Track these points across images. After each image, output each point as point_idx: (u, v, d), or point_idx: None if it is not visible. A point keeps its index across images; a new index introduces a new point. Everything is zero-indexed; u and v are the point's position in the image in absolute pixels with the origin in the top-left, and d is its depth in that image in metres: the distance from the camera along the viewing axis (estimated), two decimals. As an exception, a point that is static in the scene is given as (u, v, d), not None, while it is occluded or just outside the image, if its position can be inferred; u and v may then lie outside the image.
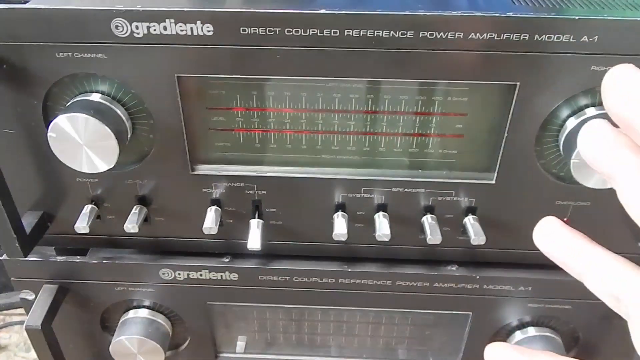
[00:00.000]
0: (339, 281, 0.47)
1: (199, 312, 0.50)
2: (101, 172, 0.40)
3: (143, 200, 0.44)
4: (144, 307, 0.51)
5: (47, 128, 0.37)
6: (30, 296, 0.49)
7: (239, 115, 0.41)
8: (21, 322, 0.92)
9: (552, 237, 0.23)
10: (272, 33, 0.35)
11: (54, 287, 0.48)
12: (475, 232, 0.42)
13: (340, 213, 0.44)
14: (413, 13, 0.34)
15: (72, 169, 0.39)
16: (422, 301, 0.48)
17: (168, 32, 0.35)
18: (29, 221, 0.43)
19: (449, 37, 0.35)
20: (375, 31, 0.35)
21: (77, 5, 0.35)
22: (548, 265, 0.47)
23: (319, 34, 0.35)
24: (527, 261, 0.47)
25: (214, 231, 0.42)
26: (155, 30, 0.35)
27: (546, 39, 0.35)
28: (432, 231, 0.43)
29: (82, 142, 0.37)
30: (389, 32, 0.35)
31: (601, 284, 0.21)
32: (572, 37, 0.35)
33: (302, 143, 0.42)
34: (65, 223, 0.45)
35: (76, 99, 0.38)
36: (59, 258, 0.47)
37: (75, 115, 0.36)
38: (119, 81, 0.37)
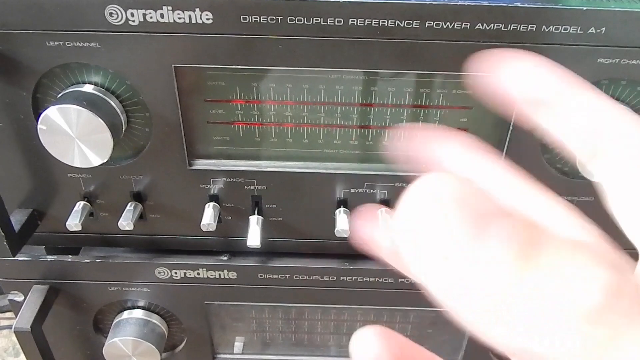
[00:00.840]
0: (341, 279, 0.46)
1: (196, 312, 0.49)
2: (94, 167, 0.39)
3: (138, 197, 0.42)
4: (138, 307, 0.49)
5: (37, 121, 0.35)
6: (19, 297, 0.47)
7: (239, 108, 0.39)
8: (9, 326, 0.90)
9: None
10: (274, 22, 0.33)
11: (44, 288, 0.46)
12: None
13: (342, 209, 0.43)
14: (419, 2, 0.33)
15: (63, 164, 0.37)
16: (424, 298, 0.47)
17: (165, 19, 0.33)
18: (17, 219, 0.42)
19: (455, 27, 0.34)
20: (380, 20, 0.34)
21: (69, -8, 0.33)
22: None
23: (322, 23, 0.34)
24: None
25: (213, 228, 0.41)
26: (151, 17, 0.33)
27: (553, 30, 0.34)
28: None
29: (74, 135, 0.35)
30: (394, 22, 0.34)
31: (575, 131, 0.15)
32: (579, 28, 0.34)
33: (303, 137, 0.41)
34: (56, 221, 0.44)
35: (68, 90, 0.36)
36: (50, 257, 0.45)
37: (66, 106, 0.34)
38: (113, 71, 0.36)
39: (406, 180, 0.42)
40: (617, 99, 0.38)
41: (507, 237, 0.11)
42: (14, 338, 0.66)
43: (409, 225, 0.12)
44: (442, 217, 0.12)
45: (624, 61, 0.36)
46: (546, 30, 0.34)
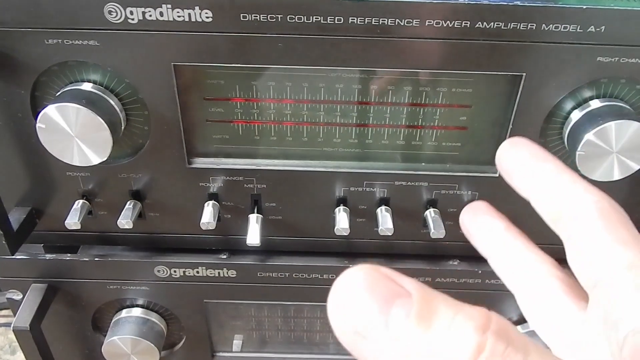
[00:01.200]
0: (339, 277, 0.46)
1: (196, 310, 0.49)
2: (93, 166, 0.38)
3: (137, 195, 0.42)
4: (137, 306, 0.49)
5: (35, 119, 0.35)
6: (17, 296, 0.47)
7: (238, 107, 0.39)
8: (7, 324, 0.89)
9: (516, 149, 0.24)
10: (274, 20, 0.33)
11: (42, 287, 0.46)
12: (479, 225, 0.42)
13: (341, 207, 0.43)
14: (419, 0, 0.33)
15: (62, 163, 0.37)
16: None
17: (164, 17, 0.33)
18: (16, 217, 0.42)
19: (455, 25, 0.34)
20: (380, 19, 0.34)
21: (68, -10, 0.33)
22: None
23: (322, 22, 0.34)
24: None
25: (212, 226, 0.41)
26: (150, 15, 0.33)
27: (553, 29, 0.34)
28: (435, 225, 0.42)
29: (74, 134, 0.35)
30: (394, 20, 0.34)
31: (543, 203, 0.22)
32: (578, 27, 0.34)
33: (303, 135, 0.41)
34: (54, 219, 0.43)
35: (66, 89, 0.36)
36: (48, 256, 0.45)
37: (65, 104, 0.34)
38: (112, 70, 0.36)
39: (405, 179, 0.42)
40: (616, 97, 0.38)
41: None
42: (11, 335, 0.66)
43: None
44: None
45: (623, 60, 0.36)
46: (546, 28, 0.34)
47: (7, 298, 0.47)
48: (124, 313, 0.49)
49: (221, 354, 0.55)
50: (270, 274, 0.46)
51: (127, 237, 0.45)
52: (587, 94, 0.38)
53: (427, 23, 0.34)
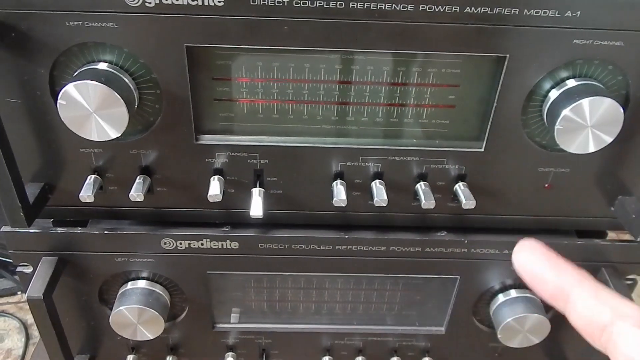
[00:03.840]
0: (336, 248, 0.49)
1: (199, 282, 0.52)
2: (105, 142, 0.41)
3: (146, 171, 0.45)
4: (142, 278, 0.52)
5: (55, 97, 0.37)
6: (28, 269, 0.49)
7: (244, 86, 0.42)
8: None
9: (533, 254, 0.24)
10: (281, 4, 0.36)
11: (53, 259, 0.48)
12: (465, 196, 0.45)
13: (339, 181, 0.46)
14: (414, -14, 0.36)
15: (76, 139, 0.40)
16: (414, 266, 0.51)
17: (179, 2, 0.36)
18: (31, 192, 0.44)
19: (446, 10, 0.37)
20: (379, 4, 0.37)
21: (88, -25, 0.35)
22: (531, 230, 0.51)
23: (325, 6, 0.37)
24: (510, 225, 0.50)
25: (219, 199, 0.44)
26: (167, 0, 0.36)
27: (534, 13, 0.38)
28: (426, 197, 0.45)
29: (92, 110, 0.37)
30: (391, 5, 0.37)
31: (586, 311, 0.22)
32: (557, 12, 0.38)
33: (303, 113, 0.44)
34: (65, 194, 0.46)
35: (84, 68, 0.38)
36: (60, 229, 0.47)
37: (85, 82, 0.36)
38: (128, 50, 0.38)
39: (398, 154, 0.45)
40: (590, 77, 0.42)
41: None
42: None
43: None
44: None
45: (596, 42, 0.40)
46: (527, 13, 0.38)
47: (18, 271, 0.49)
48: (130, 285, 0.51)
49: (221, 324, 0.57)
50: (271, 246, 0.49)
51: (136, 211, 0.48)
52: (564, 74, 0.42)
53: (420, 8, 0.37)
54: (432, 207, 0.45)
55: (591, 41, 0.39)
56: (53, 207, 0.47)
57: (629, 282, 0.53)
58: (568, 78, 0.42)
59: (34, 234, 0.47)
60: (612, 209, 0.49)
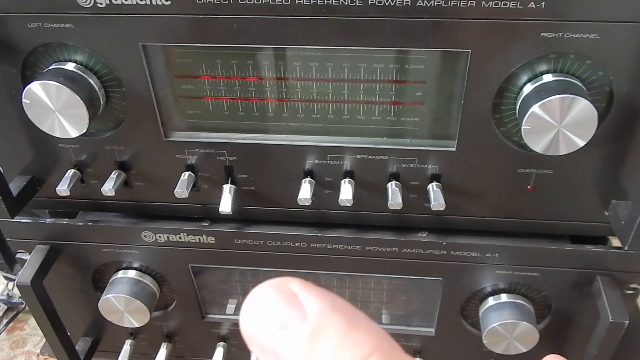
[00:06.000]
0: (311, 245, 0.49)
1: (182, 274, 0.53)
2: (81, 138, 0.43)
3: (122, 166, 0.47)
4: (132, 268, 0.54)
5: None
6: (25, 256, 0.52)
7: (206, 84, 0.43)
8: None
9: None
10: (227, 2, 0.36)
11: (45, 248, 0.51)
12: (435, 197, 0.44)
13: (307, 179, 0.45)
14: (360, -19, 0.35)
15: (50, 134, 0.42)
16: (393, 266, 0.50)
17: (129, 1, 0.37)
18: (17, 184, 0.47)
19: (397, 4, 0.36)
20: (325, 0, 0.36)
21: (45, -22, 0.37)
22: (514, 233, 0.48)
23: (271, 3, 0.36)
24: (495, 228, 0.48)
25: (185, 195, 0.45)
26: (116, 0, 0.37)
27: (493, 5, 0.36)
28: (393, 196, 0.44)
29: (54, 109, 0.39)
30: (339, 0, 0.36)
31: None
32: (518, 3, 0.35)
33: (268, 110, 0.44)
34: (53, 187, 0.48)
35: (51, 67, 0.40)
36: (48, 220, 0.50)
37: (47, 82, 0.38)
38: (89, 50, 0.40)
39: (367, 152, 0.44)
40: (570, 73, 0.39)
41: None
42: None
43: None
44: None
45: (567, 35, 0.37)
46: (485, 5, 0.36)
47: (17, 257, 0.53)
48: (120, 274, 0.54)
49: (212, 315, 0.59)
50: (246, 241, 0.49)
51: (118, 205, 0.50)
52: (538, 68, 0.39)
53: (370, 2, 0.36)
54: (398, 207, 0.44)
55: (561, 34, 0.37)
56: (46, 199, 0.50)
57: (630, 292, 0.49)
58: (544, 73, 0.39)
59: (27, 224, 0.50)
60: (607, 213, 0.46)
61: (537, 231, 0.48)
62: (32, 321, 1.00)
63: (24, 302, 1.02)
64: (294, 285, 0.18)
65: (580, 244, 0.47)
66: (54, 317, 0.52)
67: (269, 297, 0.18)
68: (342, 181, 0.45)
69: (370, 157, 0.44)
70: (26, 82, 0.42)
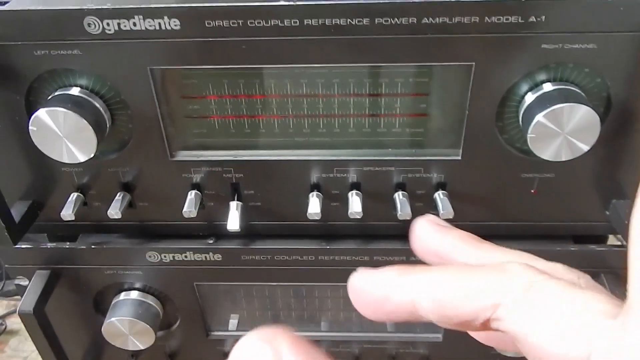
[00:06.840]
0: (319, 258, 0.49)
1: (187, 292, 0.53)
2: (85, 162, 0.42)
3: (127, 187, 0.46)
4: (134, 289, 0.53)
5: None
6: (24, 282, 0.51)
7: (213, 103, 0.43)
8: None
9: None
10: (236, 25, 0.37)
11: (46, 273, 0.50)
12: (443, 206, 0.45)
13: (315, 193, 0.46)
14: (368, 1, 0.36)
15: (57, 160, 0.41)
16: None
17: (137, 27, 0.37)
18: (18, 210, 0.46)
19: (403, 22, 0.37)
20: (333, 19, 0.37)
21: (51, 6, 0.37)
22: (518, 236, 0.50)
23: (280, 24, 0.37)
24: (505, 233, 0.49)
25: (193, 214, 0.45)
26: (125, 26, 0.36)
27: (496, 20, 0.37)
28: (402, 207, 0.45)
29: (62, 135, 0.39)
30: (346, 20, 0.37)
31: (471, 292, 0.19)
32: (519, 18, 0.37)
33: (274, 127, 0.44)
34: (54, 211, 0.47)
35: (56, 93, 0.40)
36: (49, 245, 0.49)
37: (54, 109, 0.38)
38: (95, 75, 0.39)
39: (373, 164, 0.45)
40: (569, 81, 0.41)
41: None
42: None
43: None
44: None
45: (567, 46, 0.38)
46: (489, 20, 0.37)
47: (16, 284, 0.52)
48: (122, 296, 0.53)
49: (216, 332, 0.59)
50: (254, 257, 0.49)
51: (121, 226, 0.49)
52: (539, 78, 0.40)
53: (377, 21, 0.37)
54: (408, 217, 0.45)
55: (560, 45, 0.38)
56: (45, 223, 0.49)
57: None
58: (544, 82, 0.41)
59: (26, 249, 0.49)
60: (608, 213, 0.47)
61: (540, 233, 0.50)
62: (13, 342, 0.98)
63: (3, 323, 1.00)
64: (283, 346, 0.17)
65: (583, 244, 0.49)
66: (55, 344, 0.51)
67: (257, 351, 0.17)
68: (350, 193, 0.46)
69: (376, 168, 0.45)
70: (30, 108, 0.41)
